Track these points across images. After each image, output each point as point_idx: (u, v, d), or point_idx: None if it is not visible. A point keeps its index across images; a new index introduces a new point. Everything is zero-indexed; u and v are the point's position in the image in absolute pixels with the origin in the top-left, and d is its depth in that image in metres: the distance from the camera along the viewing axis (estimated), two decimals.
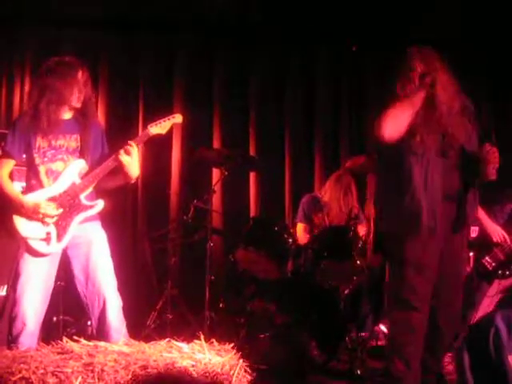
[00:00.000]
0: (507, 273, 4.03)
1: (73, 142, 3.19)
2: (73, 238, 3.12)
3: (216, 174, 4.96)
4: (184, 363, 2.37)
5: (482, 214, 3.96)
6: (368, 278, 4.24)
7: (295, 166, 5.65)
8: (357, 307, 4.31)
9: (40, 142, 3.14)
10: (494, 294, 4.01)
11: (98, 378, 2.27)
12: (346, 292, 4.11)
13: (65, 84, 3.11)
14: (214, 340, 2.66)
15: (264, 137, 5.67)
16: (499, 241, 4.01)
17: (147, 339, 2.78)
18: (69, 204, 3.12)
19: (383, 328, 4.33)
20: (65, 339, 2.64)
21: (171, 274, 4.72)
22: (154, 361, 2.37)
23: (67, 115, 3.22)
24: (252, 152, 5.58)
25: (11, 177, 3.28)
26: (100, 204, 3.17)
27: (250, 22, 5.51)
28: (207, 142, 5.53)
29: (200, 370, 2.36)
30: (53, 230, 3.08)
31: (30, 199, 3.08)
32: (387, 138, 2.99)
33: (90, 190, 3.18)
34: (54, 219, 3.08)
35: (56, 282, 3.23)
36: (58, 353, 2.50)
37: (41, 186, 3.13)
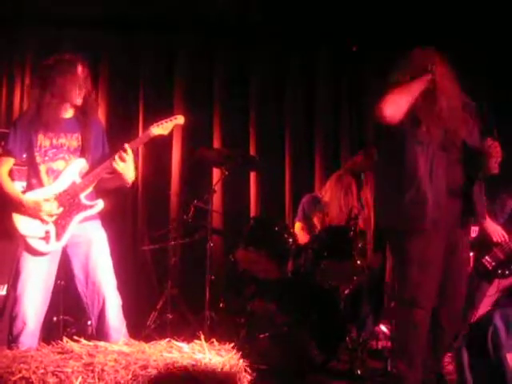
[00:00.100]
0: (507, 272, 4.04)
1: (74, 141, 3.19)
2: (73, 237, 3.13)
3: (216, 173, 4.97)
4: (184, 363, 2.36)
5: None
6: (368, 278, 4.24)
7: (295, 166, 5.65)
8: (357, 307, 4.31)
9: (41, 140, 3.15)
10: (493, 294, 4.02)
11: (98, 378, 2.27)
12: (346, 292, 4.11)
13: (65, 81, 3.11)
14: (214, 340, 2.66)
15: (264, 137, 5.67)
16: (499, 240, 4.01)
17: (147, 339, 2.78)
18: (69, 203, 3.12)
19: (383, 328, 4.33)
20: (65, 339, 2.64)
21: (171, 273, 4.72)
22: (154, 361, 2.37)
23: (68, 114, 3.22)
24: (252, 152, 5.57)
25: (11, 176, 3.28)
26: (100, 204, 3.17)
27: (249, 22, 5.51)
28: (207, 141, 5.53)
29: (200, 370, 2.36)
30: (52, 228, 3.09)
31: (29, 198, 3.08)
32: (388, 119, 2.99)
33: (91, 189, 3.19)
34: (54, 218, 3.08)
35: (56, 281, 3.24)
36: (59, 353, 2.50)
37: (41, 184, 3.13)
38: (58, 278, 3.25)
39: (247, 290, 4.44)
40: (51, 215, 3.07)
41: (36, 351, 2.53)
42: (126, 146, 3.09)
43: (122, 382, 2.28)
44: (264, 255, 4.07)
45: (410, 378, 3.03)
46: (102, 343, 2.62)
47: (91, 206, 3.16)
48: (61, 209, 3.10)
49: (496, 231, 4.00)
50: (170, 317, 4.51)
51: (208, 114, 5.63)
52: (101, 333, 3.07)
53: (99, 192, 3.26)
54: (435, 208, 3.00)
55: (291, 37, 5.61)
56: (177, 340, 2.66)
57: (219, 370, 2.39)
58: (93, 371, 2.29)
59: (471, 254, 3.97)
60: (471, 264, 4.00)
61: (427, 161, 3.02)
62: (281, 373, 3.57)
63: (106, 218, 3.31)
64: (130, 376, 2.29)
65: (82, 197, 3.15)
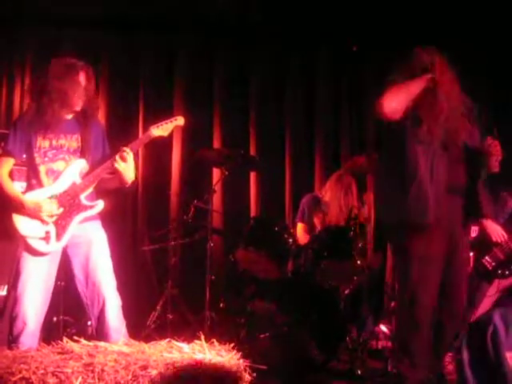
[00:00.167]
0: (507, 272, 4.03)
1: (74, 141, 3.19)
2: (73, 238, 3.13)
3: (216, 173, 4.97)
4: (184, 363, 2.36)
5: None
6: (368, 278, 4.24)
7: (295, 166, 5.65)
8: (357, 307, 4.30)
9: (41, 141, 3.15)
10: (493, 294, 4.01)
11: (98, 378, 2.27)
12: (346, 292, 4.11)
13: (65, 86, 3.10)
14: (214, 340, 2.66)
15: (264, 137, 5.67)
16: (499, 240, 4.01)
17: (147, 339, 2.78)
18: (69, 204, 3.12)
19: (383, 328, 4.33)
20: (65, 339, 2.64)
21: (171, 273, 4.72)
22: (154, 361, 2.37)
23: (68, 115, 3.21)
24: (252, 152, 5.57)
25: (11, 176, 3.28)
26: (100, 204, 3.17)
27: (249, 22, 5.51)
28: (207, 142, 5.53)
29: (200, 370, 2.36)
30: (52, 229, 3.09)
31: (30, 198, 3.08)
32: (388, 115, 3.00)
33: (91, 190, 3.19)
34: (54, 218, 3.08)
35: (56, 281, 3.24)
36: (59, 353, 2.50)
37: (41, 185, 3.13)
38: (58, 278, 3.25)
39: (247, 290, 4.44)
40: (51, 216, 3.07)
41: (36, 351, 2.53)
42: (125, 148, 3.09)
43: (122, 382, 2.28)
44: (264, 255, 4.07)
45: (412, 378, 3.03)
46: (101, 343, 2.62)
47: (91, 207, 3.16)
48: (61, 209, 3.10)
49: (496, 231, 4.00)
50: (170, 317, 4.51)
51: (208, 114, 5.63)
52: (101, 333, 3.07)
53: (99, 192, 3.26)
54: (436, 206, 3.01)
55: (291, 37, 5.61)
56: (177, 340, 2.66)
57: (219, 370, 2.39)
58: (93, 371, 2.29)
59: (471, 253, 3.97)
60: (471, 264, 4.00)
61: (428, 160, 3.04)
62: (281, 373, 3.57)
63: (106, 218, 3.31)
64: (129, 376, 2.29)
65: (82, 197, 3.15)
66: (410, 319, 3.05)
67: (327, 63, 5.76)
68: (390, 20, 5.16)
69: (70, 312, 4.20)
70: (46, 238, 3.07)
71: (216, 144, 5.58)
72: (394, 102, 3.01)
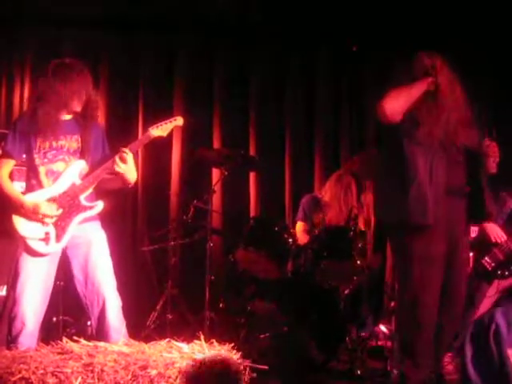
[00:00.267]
0: (506, 273, 4.03)
1: (74, 142, 3.19)
2: (72, 238, 3.12)
3: (216, 174, 4.96)
4: (184, 363, 2.36)
5: None
6: (368, 278, 4.24)
7: (295, 166, 5.65)
8: (357, 307, 4.31)
9: (41, 142, 3.14)
10: (493, 295, 4.01)
11: (98, 379, 2.28)
12: (346, 292, 4.11)
13: (65, 87, 3.10)
14: (214, 340, 2.67)
15: (264, 137, 5.66)
16: (498, 241, 4.01)
17: (147, 339, 2.78)
18: (68, 204, 3.12)
19: (383, 328, 4.33)
20: (64, 339, 2.65)
21: (171, 273, 4.72)
22: (154, 361, 2.37)
23: (68, 116, 3.21)
24: (252, 152, 5.57)
25: (11, 177, 3.28)
26: (100, 205, 3.17)
27: (249, 22, 5.50)
28: (207, 142, 5.53)
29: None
30: (52, 230, 3.08)
31: (29, 199, 3.08)
32: (389, 118, 3.01)
33: (90, 190, 3.18)
34: (54, 219, 3.08)
35: (56, 281, 3.24)
36: (58, 353, 2.51)
37: (40, 186, 3.13)
38: (57, 278, 3.25)
39: (247, 290, 4.44)
40: (51, 217, 3.07)
41: (35, 352, 2.54)
42: (124, 149, 3.08)
43: (122, 382, 2.29)
44: (264, 255, 4.07)
45: (414, 378, 3.04)
46: (101, 343, 2.63)
47: (91, 208, 3.15)
48: (60, 210, 3.10)
49: (495, 231, 3.99)
50: (170, 317, 4.51)
51: (208, 114, 5.62)
52: (100, 333, 3.06)
53: (101, 193, 3.26)
54: (435, 207, 3.02)
55: (291, 37, 5.61)
56: (177, 340, 2.67)
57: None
58: (92, 371, 2.29)
59: (471, 254, 3.97)
60: (471, 264, 4.00)
61: (427, 162, 3.05)
62: (281, 373, 3.57)
63: (106, 218, 3.31)
64: (129, 376, 2.30)
65: (82, 198, 3.14)
66: (412, 319, 3.05)
67: (327, 63, 5.76)
68: (390, 20, 5.15)
69: (69, 312, 4.20)
70: (46, 239, 3.07)
71: (216, 144, 5.58)
72: (395, 105, 3.02)
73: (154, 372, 2.31)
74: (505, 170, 4.09)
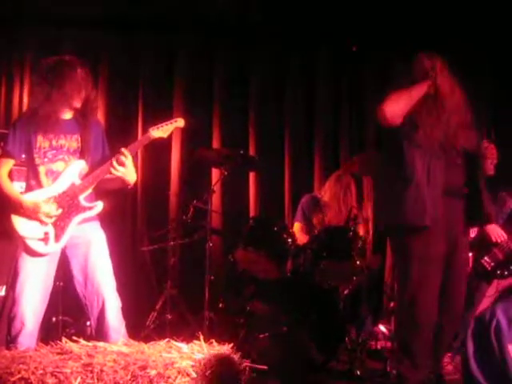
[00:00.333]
0: (506, 273, 4.03)
1: (74, 142, 3.18)
2: (72, 238, 3.12)
3: (216, 174, 4.96)
4: (183, 363, 2.36)
5: None
6: (367, 279, 4.24)
7: (295, 166, 5.65)
8: (356, 307, 4.31)
9: (41, 142, 3.14)
10: (493, 294, 4.01)
11: (97, 379, 2.28)
12: (345, 292, 4.11)
13: (64, 84, 3.10)
14: (213, 340, 2.66)
15: (264, 137, 5.66)
16: (498, 241, 4.01)
17: (146, 339, 2.78)
18: (68, 204, 3.12)
19: (382, 328, 4.33)
20: (64, 339, 2.65)
21: (170, 274, 4.72)
22: (154, 361, 2.37)
23: (68, 115, 3.21)
24: (252, 152, 5.57)
25: (11, 177, 3.28)
26: (99, 205, 3.17)
27: (249, 22, 5.50)
28: (207, 142, 5.53)
29: (199, 370, 2.36)
30: (51, 230, 3.08)
31: (29, 199, 3.08)
32: (389, 121, 3.02)
33: (90, 190, 3.18)
34: (53, 219, 3.08)
35: (55, 282, 3.24)
36: (57, 353, 2.50)
37: (40, 186, 3.13)
38: (56, 278, 3.25)
39: (247, 290, 4.44)
40: (50, 216, 3.07)
41: (35, 352, 2.54)
42: (123, 150, 3.07)
43: (121, 382, 2.28)
44: (263, 255, 4.07)
45: (413, 379, 3.04)
46: (101, 344, 2.63)
47: (90, 208, 3.15)
48: (60, 210, 3.10)
49: (495, 231, 4.00)
50: (170, 317, 4.51)
51: (208, 114, 5.62)
52: (100, 333, 3.07)
53: (100, 193, 3.25)
54: (433, 208, 3.03)
55: (291, 37, 5.60)
56: (176, 340, 2.66)
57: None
58: (92, 372, 2.29)
59: (470, 254, 3.98)
60: (470, 264, 4.00)
61: (425, 164, 3.06)
62: (280, 373, 3.57)
63: (106, 218, 3.31)
64: (128, 376, 2.29)
65: (82, 198, 3.14)
66: (411, 320, 3.06)
67: (327, 63, 5.75)
68: (390, 20, 5.15)
69: (69, 312, 4.20)
70: (45, 239, 3.07)
71: (215, 144, 5.58)
72: (396, 108, 3.03)
73: (153, 372, 2.31)
74: (505, 171, 4.09)
